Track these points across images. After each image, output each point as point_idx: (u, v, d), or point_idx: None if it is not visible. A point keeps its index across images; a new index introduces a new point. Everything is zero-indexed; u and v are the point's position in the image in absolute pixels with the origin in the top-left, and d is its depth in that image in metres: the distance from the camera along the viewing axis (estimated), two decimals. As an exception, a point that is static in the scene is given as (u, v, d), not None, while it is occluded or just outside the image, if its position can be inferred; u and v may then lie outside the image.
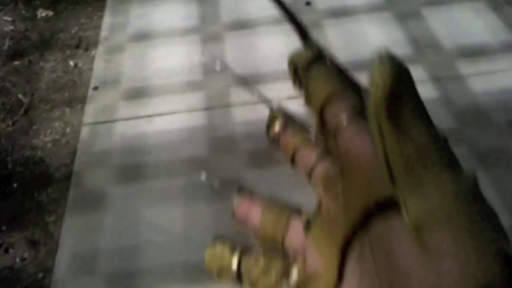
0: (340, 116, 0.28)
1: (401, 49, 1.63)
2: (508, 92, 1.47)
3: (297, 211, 0.33)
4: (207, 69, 1.68)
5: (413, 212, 0.22)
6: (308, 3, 1.89)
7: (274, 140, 0.35)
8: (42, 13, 2.10)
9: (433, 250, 0.22)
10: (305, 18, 1.81)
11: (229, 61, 1.70)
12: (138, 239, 1.23)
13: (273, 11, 1.89)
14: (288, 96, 1.52)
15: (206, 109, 1.55)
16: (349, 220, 0.26)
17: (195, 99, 1.58)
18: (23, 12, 2.12)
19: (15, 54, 1.92)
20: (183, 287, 1.14)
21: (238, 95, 1.57)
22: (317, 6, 1.86)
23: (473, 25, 1.70)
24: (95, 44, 1.90)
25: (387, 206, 0.24)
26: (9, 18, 2.09)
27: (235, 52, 1.73)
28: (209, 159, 1.39)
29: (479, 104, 1.46)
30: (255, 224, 0.33)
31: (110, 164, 1.45)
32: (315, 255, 0.30)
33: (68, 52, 1.90)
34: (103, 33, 1.92)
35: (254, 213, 0.33)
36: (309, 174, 0.32)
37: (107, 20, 1.98)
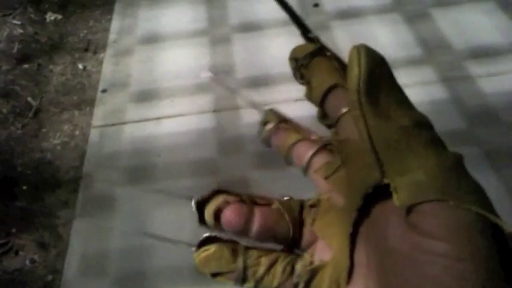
0: (340, 106, 0.28)
1: (410, 50, 1.62)
2: (518, 93, 1.46)
3: (295, 207, 0.33)
4: (215, 72, 1.68)
5: (403, 195, 0.23)
6: (316, 5, 1.88)
7: (265, 140, 0.35)
8: (51, 17, 2.11)
9: (421, 230, 0.22)
10: (313, 19, 1.81)
11: (237, 63, 1.70)
12: (147, 240, 1.24)
13: (281, 12, 1.89)
14: (296, 98, 1.52)
15: (215, 111, 1.55)
16: (353, 207, 0.26)
17: (204, 101, 1.58)
18: (32, 16, 2.13)
19: (24, 57, 1.93)
20: (192, 288, 1.14)
21: (246, 96, 1.57)
22: (325, 7, 1.86)
23: (482, 26, 1.69)
24: (104, 47, 1.90)
25: (384, 189, 0.24)
26: (19, 22, 2.10)
27: (244, 54, 1.73)
28: (218, 160, 1.39)
29: (490, 104, 1.45)
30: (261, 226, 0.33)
31: (119, 166, 1.45)
32: (322, 246, 0.30)
33: (76, 55, 1.91)
34: (111, 36, 1.92)
35: (266, 216, 0.33)
36: (306, 170, 0.32)
37: (116, 23, 1.99)
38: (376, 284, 0.25)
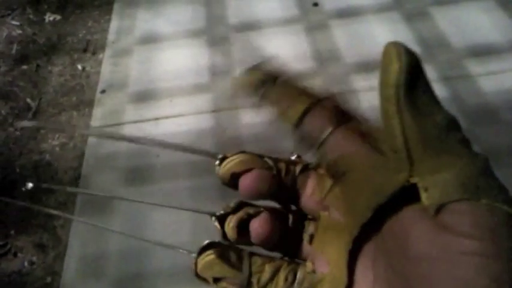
0: (323, 124, 0.28)
1: (409, 49, 1.61)
2: (518, 91, 1.46)
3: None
4: (214, 72, 1.68)
5: (434, 194, 0.23)
6: (315, 4, 1.88)
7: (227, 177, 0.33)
8: (49, 17, 2.10)
9: (453, 230, 0.22)
10: (312, 18, 1.81)
11: (235, 63, 1.69)
12: (146, 242, 1.23)
13: (280, 12, 1.88)
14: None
15: (213, 111, 1.54)
16: (357, 222, 0.26)
17: (202, 101, 1.58)
18: (31, 16, 2.12)
19: (23, 58, 1.92)
20: (191, 290, 1.14)
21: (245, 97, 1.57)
22: (324, 6, 1.85)
23: (482, 24, 1.69)
24: (103, 47, 1.90)
25: (395, 200, 0.24)
26: (17, 23, 2.09)
27: (242, 53, 1.72)
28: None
29: (489, 103, 1.44)
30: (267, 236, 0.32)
31: (117, 167, 1.45)
32: (322, 261, 0.30)
33: (75, 56, 1.91)
34: (110, 37, 1.92)
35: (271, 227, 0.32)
36: (297, 201, 0.31)
37: (114, 23, 1.98)
38: None
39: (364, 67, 1.57)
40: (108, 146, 1.51)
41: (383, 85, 0.25)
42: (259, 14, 1.86)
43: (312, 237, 0.31)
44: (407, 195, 0.24)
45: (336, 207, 0.29)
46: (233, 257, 0.32)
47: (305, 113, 0.29)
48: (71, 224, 1.35)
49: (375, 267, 0.26)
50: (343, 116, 0.28)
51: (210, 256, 0.32)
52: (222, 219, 0.33)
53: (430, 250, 0.23)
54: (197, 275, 0.33)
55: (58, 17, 2.10)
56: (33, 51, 1.95)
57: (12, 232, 1.39)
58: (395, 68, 0.24)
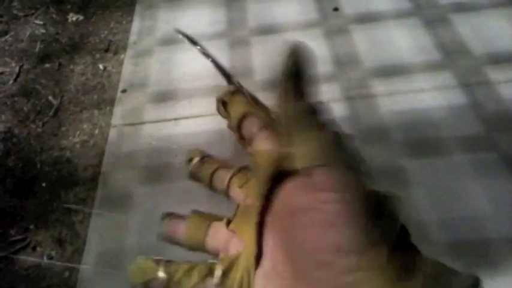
0: (252, 128, 0.37)
1: (429, 55, 1.62)
2: (538, 99, 1.45)
3: (217, 217, 0.37)
4: (233, 74, 1.69)
5: (303, 160, 0.30)
6: (336, 9, 1.88)
7: (192, 174, 0.41)
8: (72, 17, 2.14)
9: (318, 186, 0.29)
10: (332, 23, 1.81)
11: (255, 65, 1.71)
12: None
13: (300, 16, 1.89)
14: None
15: (232, 113, 1.55)
16: (258, 195, 0.33)
17: (221, 102, 1.59)
18: (54, 16, 2.16)
19: (45, 56, 1.95)
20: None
21: (264, 98, 1.58)
22: (344, 11, 1.86)
23: (502, 31, 1.68)
24: (124, 47, 1.92)
25: (284, 177, 0.32)
26: (41, 22, 2.13)
27: (262, 57, 1.74)
28: (234, 161, 1.39)
29: (509, 110, 1.44)
30: (180, 236, 0.38)
31: (136, 165, 1.46)
32: (237, 240, 0.35)
33: (97, 55, 1.93)
34: (132, 38, 1.94)
35: (180, 227, 0.38)
36: (226, 191, 0.39)
37: (136, 24, 2.01)
38: (282, 253, 0.31)
39: (383, 72, 1.57)
40: (127, 145, 1.53)
41: (279, 75, 0.33)
42: (279, 18, 1.88)
43: (229, 221, 0.36)
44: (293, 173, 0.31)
45: (250, 194, 0.36)
46: (150, 263, 0.37)
47: (243, 118, 0.38)
48: (89, 220, 1.37)
49: (272, 231, 0.32)
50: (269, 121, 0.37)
51: (133, 267, 0.36)
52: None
53: (303, 203, 0.30)
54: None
55: (81, 17, 2.13)
56: (56, 50, 1.98)
57: (32, 226, 1.41)
58: (285, 63, 0.32)
